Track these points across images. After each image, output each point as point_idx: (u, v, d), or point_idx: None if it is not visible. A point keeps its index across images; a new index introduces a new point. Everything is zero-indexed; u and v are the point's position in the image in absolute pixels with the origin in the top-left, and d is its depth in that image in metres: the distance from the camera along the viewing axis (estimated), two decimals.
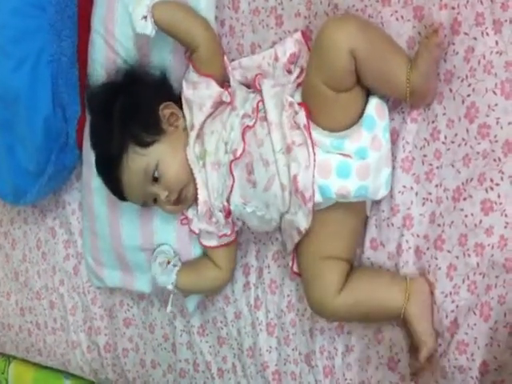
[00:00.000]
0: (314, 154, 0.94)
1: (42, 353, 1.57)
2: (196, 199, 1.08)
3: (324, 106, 0.94)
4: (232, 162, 1.01)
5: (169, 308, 1.20)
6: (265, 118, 0.99)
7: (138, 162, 1.05)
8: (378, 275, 1.00)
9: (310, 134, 0.95)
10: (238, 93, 1.06)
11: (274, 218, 1.02)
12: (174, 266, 1.16)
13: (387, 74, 0.91)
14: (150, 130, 1.06)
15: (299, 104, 0.97)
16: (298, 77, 1.00)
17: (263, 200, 1.00)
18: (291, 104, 0.97)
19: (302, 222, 0.98)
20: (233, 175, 1.02)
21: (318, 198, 0.96)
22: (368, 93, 0.96)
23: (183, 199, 1.08)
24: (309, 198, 0.95)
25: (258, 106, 1.01)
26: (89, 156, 1.26)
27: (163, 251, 1.19)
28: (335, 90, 0.92)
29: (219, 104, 1.07)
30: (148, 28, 1.04)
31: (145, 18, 1.03)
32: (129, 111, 1.06)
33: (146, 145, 1.06)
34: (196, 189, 1.07)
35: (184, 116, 1.09)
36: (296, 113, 0.96)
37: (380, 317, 1.00)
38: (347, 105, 0.94)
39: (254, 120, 1.00)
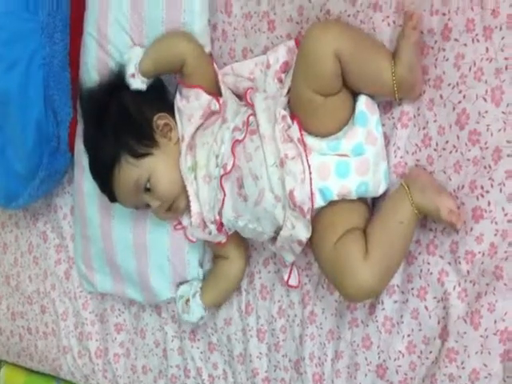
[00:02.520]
0: (309, 167, 0.94)
1: (33, 358, 1.56)
2: (189, 209, 1.08)
3: (314, 112, 0.94)
4: (222, 176, 1.01)
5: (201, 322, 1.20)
6: (255, 132, 0.99)
7: (129, 172, 1.06)
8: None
9: (304, 147, 0.95)
10: (230, 104, 1.06)
11: (266, 231, 1.01)
12: (194, 295, 1.16)
13: (373, 72, 0.92)
14: (143, 142, 1.06)
15: (291, 117, 0.97)
16: (289, 90, 1.00)
17: (254, 214, 1.00)
18: (284, 117, 0.97)
19: (303, 233, 0.97)
20: (223, 189, 1.01)
21: (319, 202, 0.96)
22: (354, 95, 0.96)
23: (175, 209, 1.09)
24: (307, 211, 0.95)
25: (248, 120, 1.00)
26: (81, 159, 1.26)
27: (182, 295, 1.18)
28: (323, 94, 0.92)
29: (209, 114, 1.07)
30: (138, 83, 1.09)
31: (133, 75, 1.09)
32: (123, 120, 1.06)
33: (138, 156, 1.06)
34: (188, 199, 1.07)
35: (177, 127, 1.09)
36: (289, 126, 0.97)
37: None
38: (336, 108, 0.95)
39: (243, 134, 1.00)
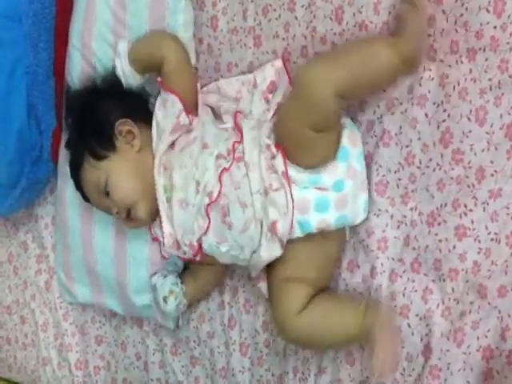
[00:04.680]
0: (293, 201, 0.94)
1: (12, 368, 1.54)
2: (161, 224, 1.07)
3: (303, 146, 0.93)
4: (208, 205, 0.99)
5: (180, 323, 1.21)
6: (241, 159, 0.98)
7: (91, 173, 1.07)
8: (337, 298, 1.01)
9: (288, 180, 0.94)
10: (209, 128, 1.04)
11: (246, 257, 1.01)
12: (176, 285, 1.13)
13: (375, 82, 0.92)
14: (103, 144, 1.06)
15: (276, 146, 0.96)
16: (274, 114, 1.00)
17: (238, 241, 0.99)
18: (268, 146, 0.96)
19: (277, 253, 0.98)
20: (209, 217, 1.00)
21: (297, 233, 0.96)
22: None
23: (134, 217, 1.07)
24: (285, 239, 0.96)
25: (234, 147, 0.99)
26: (64, 169, 1.25)
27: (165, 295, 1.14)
28: (319, 131, 0.90)
29: (178, 129, 1.04)
30: (136, 79, 1.11)
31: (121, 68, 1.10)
32: (89, 121, 1.08)
33: (98, 158, 1.06)
34: (151, 211, 1.06)
35: (142, 135, 1.08)
36: (273, 156, 0.96)
37: (338, 340, 0.98)
38: (325, 143, 0.93)
39: (230, 162, 0.98)
